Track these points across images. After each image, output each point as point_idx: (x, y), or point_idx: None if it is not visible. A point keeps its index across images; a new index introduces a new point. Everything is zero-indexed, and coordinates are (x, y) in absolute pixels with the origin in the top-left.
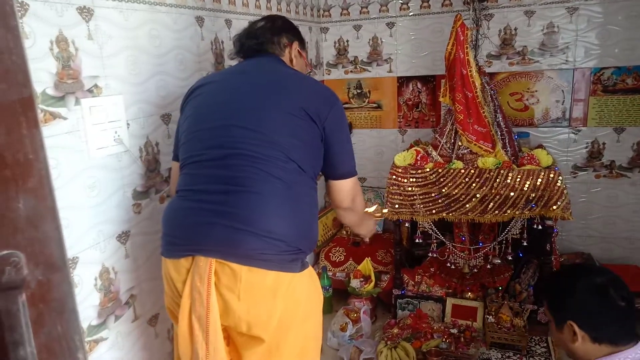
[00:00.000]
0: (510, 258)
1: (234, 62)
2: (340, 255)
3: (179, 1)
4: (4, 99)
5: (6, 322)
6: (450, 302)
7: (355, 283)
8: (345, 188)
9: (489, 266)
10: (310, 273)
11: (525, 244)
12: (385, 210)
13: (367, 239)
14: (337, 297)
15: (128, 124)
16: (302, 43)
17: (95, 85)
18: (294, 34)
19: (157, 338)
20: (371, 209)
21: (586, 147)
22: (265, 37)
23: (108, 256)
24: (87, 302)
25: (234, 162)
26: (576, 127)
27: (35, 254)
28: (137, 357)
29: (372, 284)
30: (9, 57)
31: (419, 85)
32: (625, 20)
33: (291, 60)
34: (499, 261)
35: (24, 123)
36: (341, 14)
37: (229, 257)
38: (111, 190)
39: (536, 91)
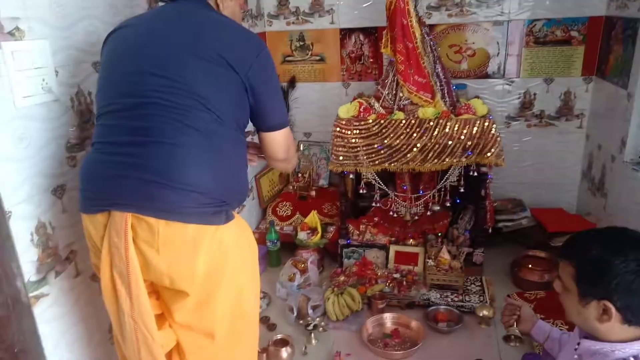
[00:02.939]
0: (448, 205)
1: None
2: (287, 210)
3: None
4: None
5: None
6: (393, 249)
7: (302, 235)
8: (278, 139)
9: (429, 213)
10: (237, 224)
11: (462, 190)
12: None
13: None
14: (285, 250)
15: (56, 72)
16: None
17: (17, 28)
18: None
19: (102, 294)
20: None
21: (519, 98)
22: None
23: (44, 211)
24: (23, 258)
25: (147, 111)
26: (510, 79)
27: None
28: (82, 313)
29: (319, 235)
30: None
31: (362, 37)
32: None
33: (218, 4)
34: (439, 208)
35: None
36: None
37: (144, 211)
38: (43, 142)
39: (473, 43)
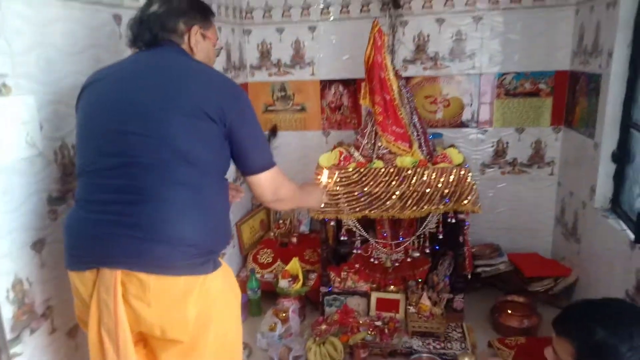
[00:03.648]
0: (428, 251)
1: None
2: (268, 257)
3: None
4: None
5: None
6: (374, 296)
7: (283, 283)
8: (263, 182)
9: (409, 260)
10: (223, 271)
11: (441, 237)
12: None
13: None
14: (266, 299)
15: (41, 126)
16: (205, 22)
17: (4, 84)
18: (194, 14)
19: (78, 350)
20: (324, 179)
21: (492, 146)
22: (159, 25)
23: (22, 266)
24: None
25: (131, 170)
26: (483, 128)
27: None
28: None
29: (300, 283)
30: None
31: (341, 88)
32: (522, 30)
33: (192, 48)
34: (418, 254)
35: None
36: (264, 17)
37: (135, 267)
38: (25, 196)
39: (447, 94)
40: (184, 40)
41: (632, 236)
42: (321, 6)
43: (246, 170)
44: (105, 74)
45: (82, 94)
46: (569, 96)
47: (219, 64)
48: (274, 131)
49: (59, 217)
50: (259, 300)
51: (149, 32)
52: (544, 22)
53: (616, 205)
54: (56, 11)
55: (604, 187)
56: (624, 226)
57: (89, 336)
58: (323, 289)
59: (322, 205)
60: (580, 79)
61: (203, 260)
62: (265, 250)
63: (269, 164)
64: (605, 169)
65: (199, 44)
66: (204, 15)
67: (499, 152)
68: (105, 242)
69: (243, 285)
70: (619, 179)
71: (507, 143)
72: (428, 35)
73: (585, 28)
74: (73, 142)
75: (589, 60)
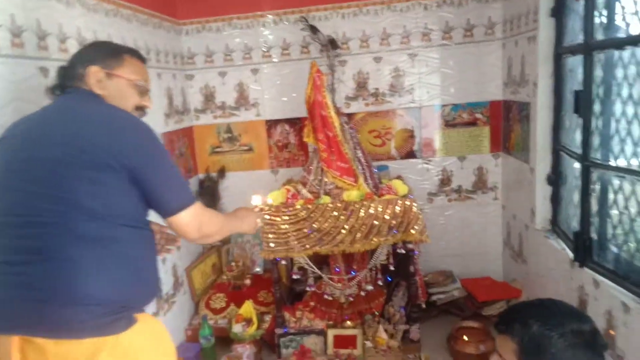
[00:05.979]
0: (381, 283)
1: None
2: (221, 302)
3: (17, 52)
4: None
5: None
6: (331, 333)
7: (237, 328)
8: (184, 221)
9: (362, 293)
10: (146, 327)
11: (392, 268)
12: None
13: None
14: (220, 345)
15: None
16: (109, 60)
17: None
18: (93, 56)
19: None
20: (255, 202)
21: (438, 175)
22: (63, 74)
23: None
24: None
25: (34, 230)
26: (428, 158)
27: None
28: None
29: (255, 326)
30: None
31: (287, 127)
32: (455, 64)
33: (93, 89)
34: (372, 287)
35: None
36: (205, 62)
37: (33, 332)
38: None
39: (391, 128)
40: (86, 84)
41: (571, 255)
42: (263, 49)
43: (162, 212)
44: (20, 129)
45: None
46: (504, 124)
47: (160, 109)
48: (222, 172)
49: None
50: (213, 348)
51: (57, 81)
52: (475, 56)
53: (555, 226)
54: None
55: (543, 208)
56: (564, 245)
57: None
58: (278, 331)
59: (259, 226)
60: (512, 107)
61: (112, 319)
62: (218, 294)
63: (187, 202)
64: (542, 191)
65: (102, 83)
66: (109, 53)
67: (445, 181)
68: (6, 306)
69: (196, 333)
70: (556, 200)
71: (452, 171)
72: (367, 73)
73: (512, 60)
74: None
75: (519, 89)
